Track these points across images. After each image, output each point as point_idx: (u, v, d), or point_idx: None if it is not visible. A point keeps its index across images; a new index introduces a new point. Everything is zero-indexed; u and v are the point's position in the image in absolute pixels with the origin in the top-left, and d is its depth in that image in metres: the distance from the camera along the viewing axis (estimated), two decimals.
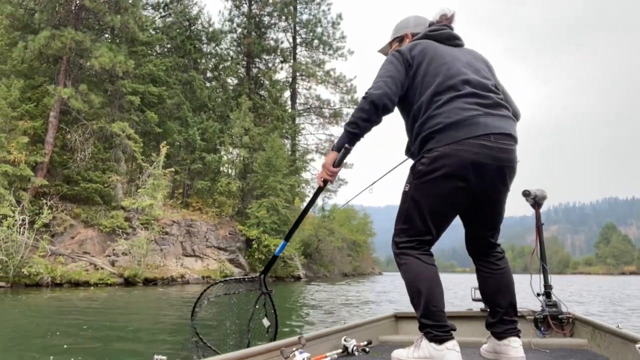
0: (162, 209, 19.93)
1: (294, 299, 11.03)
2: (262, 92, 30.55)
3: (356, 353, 2.32)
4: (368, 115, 1.82)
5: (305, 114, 34.50)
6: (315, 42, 33.43)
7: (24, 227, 15.45)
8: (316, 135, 34.68)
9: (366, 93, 1.83)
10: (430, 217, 1.80)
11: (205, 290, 2.63)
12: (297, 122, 32.48)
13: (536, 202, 2.92)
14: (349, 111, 33.56)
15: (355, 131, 1.84)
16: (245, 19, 32.01)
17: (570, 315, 2.72)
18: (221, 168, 26.26)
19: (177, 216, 21.50)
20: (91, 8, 19.07)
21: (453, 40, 1.98)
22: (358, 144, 1.92)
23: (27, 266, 15.11)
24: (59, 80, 18.93)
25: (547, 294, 2.83)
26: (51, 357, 3.80)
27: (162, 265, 19.41)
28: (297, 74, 33.07)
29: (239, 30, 31.97)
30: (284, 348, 1.96)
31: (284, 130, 28.43)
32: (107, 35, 22.57)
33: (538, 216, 2.93)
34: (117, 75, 20.02)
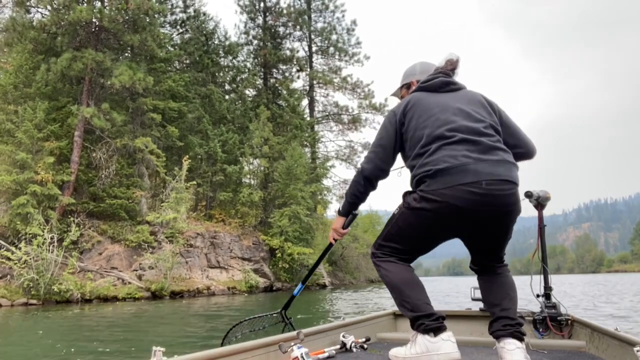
0: (186, 222, 20.12)
1: (315, 308, 10.90)
2: (280, 101, 30.72)
3: (354, 349, 2.34)
4: (364, 188, 2.04)
5: (324, 121, 34.52)
6: (331, 49, 33.51)
7: (53, 245, 15.79)
8: (336, 142, 34.75)
9: (360, 166, 2.02)
10: (409, 242, 1.90)
11: (231, 329, 2.68)
12: (316, 129, 32.52)
13: (539, 203, 2.93)
14: (367, 116, 33.47)
15: (355, 201, 2.09)
16: (260, 30, 32.33)
17: (569, 317, 2.73)
18: (243, 179, 26.43)
19: (201, 228, 21.68)
20: (110, 28, 19.55)
21: (447, 87, 2.01)
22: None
23: (57, 283, 15.42)
24: (82, 100, 19.42)
25: (547, 295, 2.85)
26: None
27: (188, 278, 19.56)
28: (314, 81, 33.17)
29: (255, 42, 32.33)
30: (282, 343, 1.99)
31: (303, 139, 28.46)
32: (127, 54, 23.09)
33: (540, 217, 2.95)
34: (138, 93, 20.43)
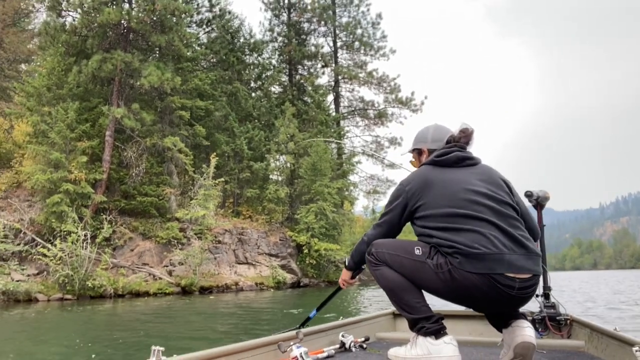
0: (214, 219, 20.39)
1: (335, 305, 10.83)
2: (306, 98, 30.70)
3: (353, 349, 2.34)
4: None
5: (349, 116, 34.30)
6: (356, 44, 33.18)
7: (87, 242, 16.27)
8: (362, 137, 34.41)
9: (365, 236, 2.06)
10: (411, 278, 1.85)
11: None
12: (341, 125, 32.35)
13: (538, 202, 2.96)
14: (394, 111, 33.04)
15: (361, 260, 2.11)
16: (285, 27, 32.36)
17: (568, 316, 2.75)
18: (270, 175, 26.60)
19: (229, 225, 21.94)
20: (138, 29, 19.93)
21: (463, 162, 1.95)
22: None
23: (91, 279, 15.90)
24: (112, 101, 19.91)
25: (546, 295, 2.86)
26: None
27: (217, 274, 19.83)
28: (340, 77, 32.96)
29: (280, 38, 32.37)
30: (282, 342, 1.99)
31: (328, 134, 28.37)
32: (155, 55, 23.50)
33: (540, 217, 2.97)
34: (166, 92, 20.78)
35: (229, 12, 28.57)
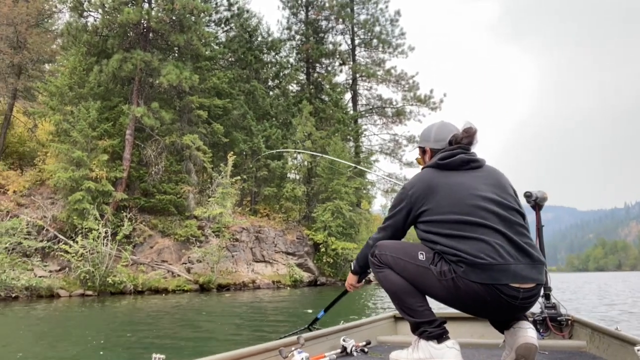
0: (231, 217, 20.50)
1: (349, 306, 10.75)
2: (323, 96, 30.63)
3: (355, 353, 2.34)
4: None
5: (367, 114, 34.10)
6: (374, 41, 32.96)
7: (108, 239, 16.52)
8: (380, 135, 34.17)
9: (371, 240, 2.05)
10: (414, 283, 1.83)
11: None
12: (359, 123, 32.18)
13: (537, 203, 2.96)
14: (412, 109, 32.70)
15: (366, 264, 2.10)
16: (302, 25, 32.34)
17: (569, 317, 2.74)
18: (287, 174, 26.64)
19: (246, 223, 22.03)
20: (157, 29, 20.15)
21: (467, 165, 1.91)
22: None
23: (111, 275, 16.14)
24: (132, 100, 20.17)
25: (547, 295, 2.86)
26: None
27: (234, 272, 19.94)
28: (357, 75, 32.80)
29: (298, 37, 32.38)
30: (283, 348, 1.99)
31: (346, 133, 28.26)
32: (174, 54, 23.75)
33: (538, 218, 2.98)
34: (184, 91, 20.96)
35: (247, 11, 28.69)
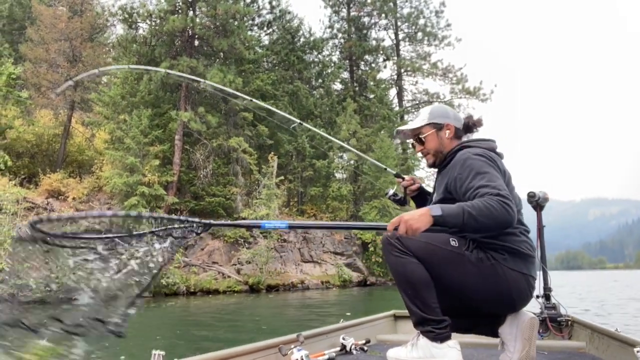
0: (278, 218, 20.58)
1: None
2: (367, 93, 30.22)
3: (354, 352, 2.35)
4: (498, 214, 1.57)
5: (413, 110, 33.28)
6: (419, 34, 32.13)
7: None
8: None
9: (498, 193, 1.58)
10: (439, 273, 1.72)
11: None
12: (405, 119, 31.48)
13: (538, 204, 2.98)
14: (461, 102, 31.54)
15: (457, 225, 1.59)
16: (344, 23, 32.07)
17: (569, 317, 2.74)
18: (334, 173, 26.48)
19: None
20: (202, 35, 20.59)
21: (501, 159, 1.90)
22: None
23: (165, 277, 16.58)
24: (180, 106, 20.73)
25: (547, 296, 2.87)
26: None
27: (283, 272, 20.01)
28: (402, 70, 32.09)
29: (340, 35, 32.14)
30: (282, 345, 2.00)
31: (391, 129, 27.72)
32: (218, 59, 24.22)
33: (539, 218, 3.00)
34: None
35: (289, 13, 28.82)
